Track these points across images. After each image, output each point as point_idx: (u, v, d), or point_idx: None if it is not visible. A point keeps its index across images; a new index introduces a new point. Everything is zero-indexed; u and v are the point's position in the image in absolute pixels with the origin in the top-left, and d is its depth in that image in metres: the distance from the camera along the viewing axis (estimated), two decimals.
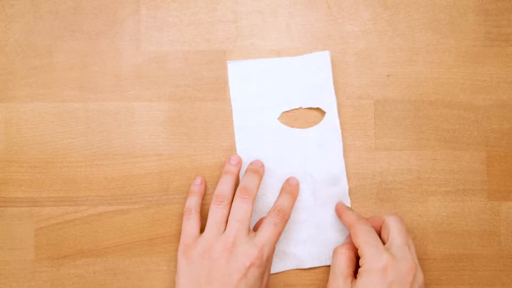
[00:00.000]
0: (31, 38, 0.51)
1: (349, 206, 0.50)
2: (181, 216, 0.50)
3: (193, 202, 0.48)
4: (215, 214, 0.46)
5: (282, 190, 0.49)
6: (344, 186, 0.51)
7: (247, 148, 0.50)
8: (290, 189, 0.49)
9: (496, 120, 0.51)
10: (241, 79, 0.51)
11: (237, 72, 0.51)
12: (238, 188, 0.47)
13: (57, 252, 0.50)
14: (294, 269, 0.50)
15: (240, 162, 0.49)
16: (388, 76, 0.51)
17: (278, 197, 0.48)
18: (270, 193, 0.50)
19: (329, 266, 0.50)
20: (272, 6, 0.51)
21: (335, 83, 0.51)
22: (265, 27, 0.51)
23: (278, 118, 0.51)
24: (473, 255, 0.51)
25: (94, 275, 0.50)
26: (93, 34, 0.51)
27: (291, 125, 0.51)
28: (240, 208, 0.45)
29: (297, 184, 0.49)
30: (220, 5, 0.51)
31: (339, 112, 0.51)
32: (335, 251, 0.46)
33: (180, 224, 0.50)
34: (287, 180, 0.49)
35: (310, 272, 0.50)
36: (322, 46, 0.51)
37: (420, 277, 0.44)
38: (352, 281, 0.44)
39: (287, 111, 0.51)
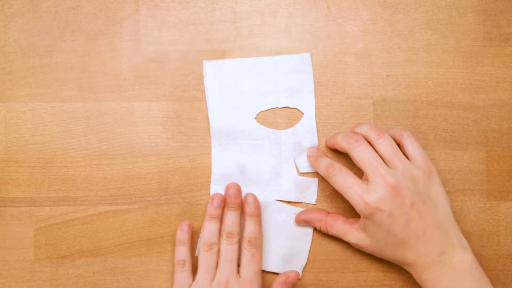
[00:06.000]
0: (31, 38, 0.51)
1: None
2: (180, 216, 0.50)
3: (184, 253, 0.48)
4: (206, 260, 0.47)
5: (246, 214, 0.49)
6: (313, 192, 0.51)
7: (222, 144, 0.50)
8: (251, 211, 0.49)
9: (496, 120, 0.51)
10: (218, 78, 0.51)
11: (214, 71, 0.51)
12: (223, 231, 0.48)
13: (57, 252, 0.50)
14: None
15: (222, 203, 0.49)
16: (387, 76, 0.51)
17: (245, 223, 0.49)
18: (243, 189, 0.51)
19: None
20: (271, 6, 0.51)
21: (334, 83, 0.51)
22: (265, 27, 0.51)
23: (254, 118, 0.51)
24: None
25: (93, 275, 0.50)
26: (92, 34, 0.51)
27: (267, 125, 0.51)
28: (229, 250, 0.48)
29: (254, 201, 0.49)
30: (220, 5, 0.51)
31: (337, 112, 0.51)
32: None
33: (179, 224, 0.50)
34: (245, 200, 0.49)
35: (310, 272, 0.50)
36: (322, 46, 0.51)
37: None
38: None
39: (264, 111, 0.51)
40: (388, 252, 0.46)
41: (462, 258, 0.44)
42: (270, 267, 0.50)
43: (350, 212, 0.51)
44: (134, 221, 0.50)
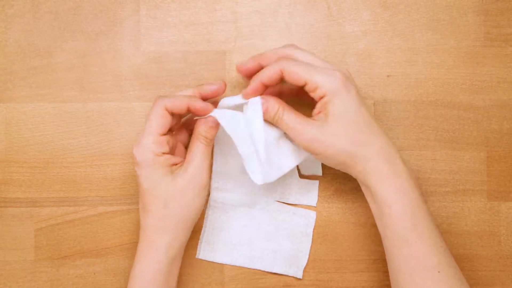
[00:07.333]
0: (31, 38, 0.51)
1: (314, 218, 0.51)
2: None
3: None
4: None
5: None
6: (313, 195, 0.51)
7: (223, 144, 0.50)
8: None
9: (496, 121, 0.51)
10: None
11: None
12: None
13: (57, 253, 0.50)
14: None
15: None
16: (388, 76, 0.51)
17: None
18: (240, 190, 0.50)
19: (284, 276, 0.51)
20: (272, 6, 0.51)
21: None
22: (265, 27, 0.51)
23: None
24: (473, 255, 0.51)
25: (94, 276, 0.50)
26: (93, 34, 0.51)
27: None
28: None
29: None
30: (220, 6, 0.51)
31: None
32: (271, 111, 0.44)
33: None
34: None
35: (310, 272, 0.50)
36: (322, 46, 0.51)
37: None
38: (314, 119, 0.44)
39: None
40: (354, 133, 0.42)
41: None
42: (271, 267, 0.50)
43: (352, 213, 0.51)
44: (135, 221, 0.50)
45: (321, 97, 0.43)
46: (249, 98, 0.45)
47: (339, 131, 0.42)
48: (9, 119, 0.51)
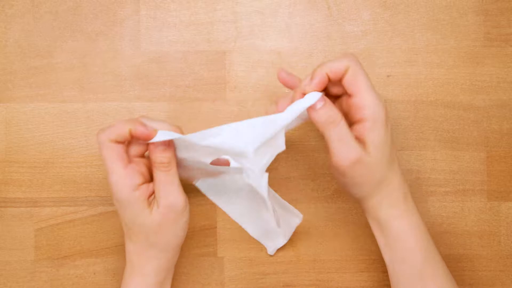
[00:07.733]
0: (31, 38, 0.51)
1: (298, 222, 0.50)
2: None
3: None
4: None
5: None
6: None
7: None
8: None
9: (496, 121, 0.51)
10: None
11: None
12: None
13: (57, 253, 0.50)
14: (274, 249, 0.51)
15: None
16: (388, 76, 0.51)
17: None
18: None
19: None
20: (272, 6, 0.51)
21: None
22: (265, 27, 0.51)
23: None
24: (473, 255, 0.51)
25: (94, 276, 0.50)
26: (93, 34, 0.51)
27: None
28: None
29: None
30: (220, 5, 0.51)
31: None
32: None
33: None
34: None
35: (310, 272, 0.51)
36: (322, 46, 0.51)
37: None
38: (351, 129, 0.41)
39: None
40: (384, 166, 0.41)
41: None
42: (252, 230, 0.50)
43: (352, 213, 0.51)
44: None
45: (361, 120, 0.41)
46: (309, 91, 0.41)
47: (377, 161, 0.41)
48: (9, 119, 0.51)
